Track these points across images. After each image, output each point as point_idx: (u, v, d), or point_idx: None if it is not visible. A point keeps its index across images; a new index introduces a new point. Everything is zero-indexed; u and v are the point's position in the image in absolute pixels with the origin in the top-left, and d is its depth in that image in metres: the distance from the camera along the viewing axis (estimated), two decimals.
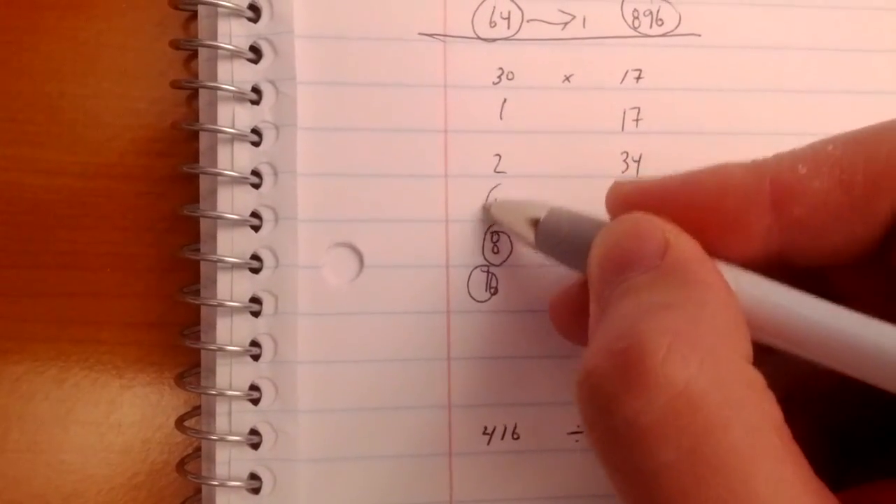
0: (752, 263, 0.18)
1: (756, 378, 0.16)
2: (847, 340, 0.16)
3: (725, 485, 0.14)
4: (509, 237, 0.25)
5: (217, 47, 0.24)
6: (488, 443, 0.25)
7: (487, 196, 0.25)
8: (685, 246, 0.18)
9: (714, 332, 0.16)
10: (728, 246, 0.19)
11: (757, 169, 0.19)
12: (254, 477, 0.24)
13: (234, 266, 0.24)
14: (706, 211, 0.19)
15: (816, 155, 0.18)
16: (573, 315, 0.23)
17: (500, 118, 0.25)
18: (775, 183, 0.18)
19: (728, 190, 0.18)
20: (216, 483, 0.24)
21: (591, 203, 0.25)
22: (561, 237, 0.22)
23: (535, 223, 0.23)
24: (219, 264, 0.25)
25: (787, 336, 0.17)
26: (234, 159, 0.25)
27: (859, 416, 0.21)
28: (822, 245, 0.18)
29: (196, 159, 0.26)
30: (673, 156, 0.26)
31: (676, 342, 0.15)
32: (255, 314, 0.25)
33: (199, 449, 0.26)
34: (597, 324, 0.18)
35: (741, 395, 0.15)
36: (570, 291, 0.23)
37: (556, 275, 0.25)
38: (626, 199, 0.20)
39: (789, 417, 0.16)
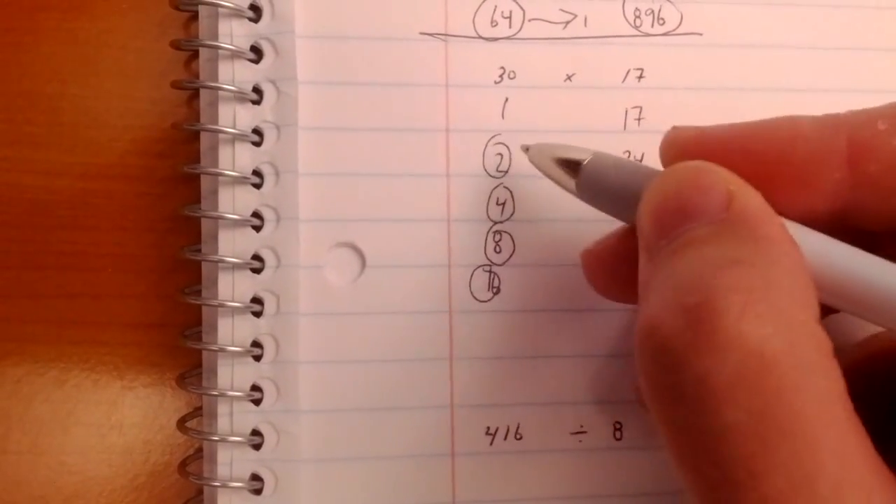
0: (814, 221, 0.18)
1: (826, 342, 0.15)
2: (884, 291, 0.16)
3: (792, 450, 0.14)
4: (512, 237, 0.25)
5: (218, 47, 0.24)
6: (491, 443, 0.25)
7: (489, 194, 0.25)
8: (751, 199, 0.17)
9: (787, 292, 0.15)
10: (793, 201, 0.18)
11: (832, 122, 0.18)
12: (255, 478, 0.24)
13: (235, 266, 0.24)
14: (774, 163, 0.18)
15: (890, 114, 0.18)
16: (609, 266, 0.22)
17: (502, 117, 0.25)
18: (852, 137, 0.17)
19: (799, 141, 0.18)
20: (218, 484, 0.24)
21: None
22: (606, 183, 0.21)
23: (576, 168, 0.22)
24: (220, 264, 0.24)
25: (850, 298, 0.17)
26: (235, 159, 0.25)
27: None
28: (892, 207, 0.18)
29: (197, 160, 0.26)
30: None
31: (751, 301, 0.15)
32: (257, 314, 0.25)
33: (200, 450, 0.26)
34: (651, 276, 0.17)
35: (813, 359, 0.15)
36: (607, 242, 0.22)
37: (558, 274, 0.25)
38: (685, 146, 0.19)
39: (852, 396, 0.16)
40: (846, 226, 0.18)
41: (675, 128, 0.19)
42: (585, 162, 0.21)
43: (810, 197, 0.18)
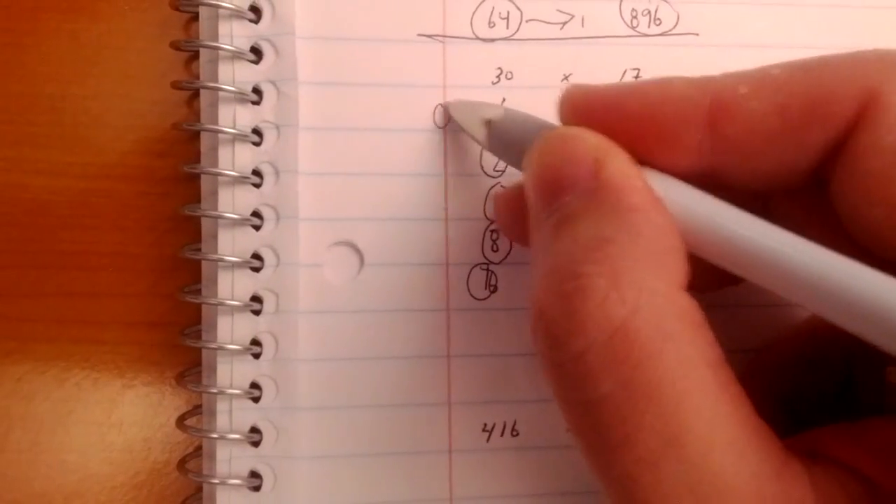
0: (683, 175, 0.18)
1: (689, 309, 0.17)
2: (769, 255, 0.17)
3: (659, 413, 0.15)
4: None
5: (218, 48, 0.25)
6: (488, 439, 0.25)
7: (487, 194, 0.25)
8: (616, 167, 0.18)
9: (649, 264, 0.17)
10: (664, 158, 0.19)
11: (700, 84, 0.19)
12: (254, 475, 0.24)
13: (235, 265, 0.25)
14: (645, 120, 0.19)
15: (761, 77, 0.18)
16: (514, 211, 0.22)
17: None
18: (715, 99, 0.18)
19: (668, 100, 0.18)
20: (217, 481, 0.24)
21: None
22: (510, 139, 0.22)
23: (488, 123, 0.23)
24: (220, 263, 0.25)
25: (712, 247, 0.17)
26: (235, 159, 0.25)
27: (806, 382, 0.22)
28: (753, 168, 0.19)
29: (197, 159, 0.26)
30: None
31: (615, 283, 0.16)
32: (256, 313, 0.25)
33: (200, 447, 0.26)
34: (537, 249, 0.19)
35: (673, 327, 0.16)
36: (516, 188, 0.23)
37: None
38: (575, 104, 0.20)
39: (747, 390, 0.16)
40: (719, 185, 0.19)
41: (573, 85, 0.20)
42: (494, 119, 0.23)
43: (677, 156, 0.19)
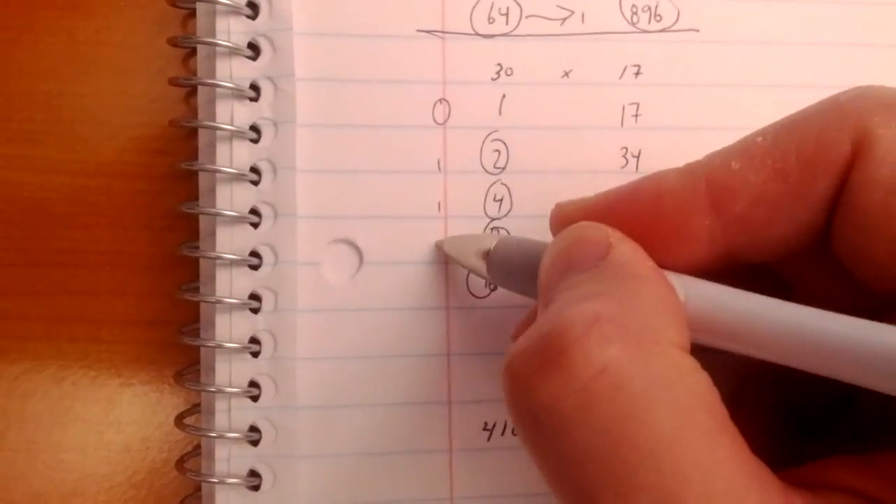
0: (701, 267, 0.18)
1: (683, 360, 0.15)
2: (809, 338, 0.16)
3: (654, 469, 0.14)
4: (509, 233, 0.25)
5: (215, 44, 0.24)
6: (489, 439, 0.25)
7: (486, 191, 0.25)
8: (627, 247, 0.17)
9: (641, 317, 0.15)
10: (674, 253, 0.18)
11: (690, 171, 0.18)
12: (253, 474, 0.24)
13: (233, 263, 0.24)
14: (645, 220, 0.18)
15: (748, 148, 0.18)
16: None
17: (500, 114, 0.25)
18: (710, 182, 0.18)
19: (663, 196, 0.18)
20: (216, 480, 0.24)
21: None
22: (512, 266, 0.22)
23: (486, 255, 0.23)
24: (218, 261, 0.24)
25: (740, 340, 0.17)
26: (232, 156, 0.25)
27: (811, 395, 0.21)
28: (767, 238, 0.18)
29: (195, 157, 0.26)
30: (672, 151, 0.26)
31: (598, 321, 0.15)
32: (255, 311, 0.25)
33: (198, 446, 0.26)
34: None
35: (667, 376, 0.15)
36: (529, 320, 0.22)
37: None
38: (568, 220, 0.19)
39: (745, 401, 0.16)
40: (734, 264, 0.19)
41: (558, 204, 0.20)
42: (492, 249, 0.22)
43: (689, 245, 0.18)
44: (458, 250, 0.24)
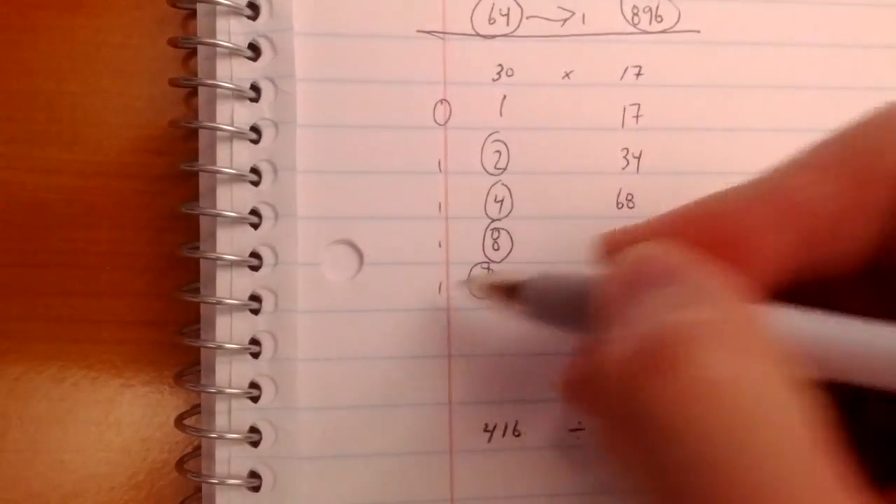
0: (764, 289, 0.18)
1: (790, 374, 0.15)
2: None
3: (755, 481, 0.13)
4: (510, 234, 0.25)
5: (216, 45, 0.24)
6: (489, 440, 0.25)
7: (487, 192, 0.25)
8: (706, 268, 0.17)
9: (747, 330, 0.15)
10: (740, 274, 0.17)
11: (754, 188, 0.18)
12: (254, 475, 0.24)
13: (233, 264, 0.24)
14: (709, 242, 0.17)
15: (807, 163, 0.17)
16: (588, 384, 0.21)
17: (500, 115, 0.25)
18: (775, 199, 0.17)
19: (728, 215, 0.18)
20: (216, 481, 0.24)
21: (591, 200, 0.25)
22: (552, 299, 0.21)
23: (513, 291, 0.22)
24: (218, 262, 0.24)
25: (832, 366, 0.16)
26: (233, 157, 0.25)
27: None
28: (832, 252, 0.18)
29: (195, 157, 0.26)
30: (673, 152, 0.26)
31: (710, 333, 0.15)
32: (255, 312, 0.25)
33: (198, 447, 0.26)
34: (609, 329, 0.17)
35: (775, 391, 0.14)
36: (575, 364, 0.21)
37: None
38: (619, 248, 0.18)
39: (843, 419, 0.15)
40: (798, 284, 0.18)
41: (607, 233, 0.20)
42: (527, 282, 0.21)
43: (756, 266, 0.17)
44: (485, 288, 0.23)
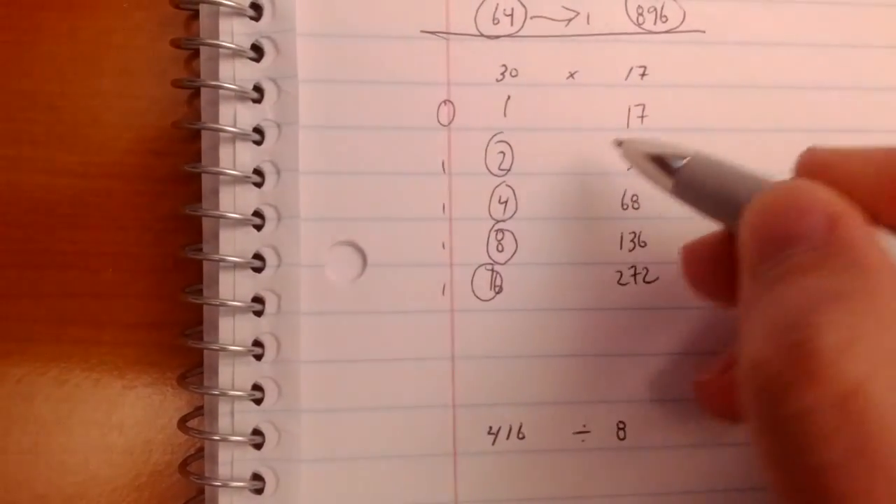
0: None
1: None
2: None
3: (890, 489, 0.14)
4: (514, 235, 0.25)
5: (219, 46, 0.24)
6: (493, 443, 0.25)
7: (491, 193, 0.25)
8: (853, 223, 0.17)
9: (887, 327, 0.15)
10: None
11: None
12: (257, 477, 0.24)
13: (236, 265, 0.24)
14: None
15: None
16: (707, 266, 0.21)
17: (504, 115, 0.25)
18: None
19: None
20: (219, 484, 0.24)
21: (596, 201, 0.25)
22: (705, 187, 0.21)
23: (674, 170, 0.22)
24: (221, 264, 0.24)
25: None
26: (236, 158, 0.24)
27: None
28: None
29: (198, 158, 0.26)
30: None
31: (850, 339, 0.15)
32: (258, 313, 0.24)
33: (201, 449, 0.26)
34: (755, 301, 0.17)
35: None
36: (708, 241, 0.22)
37: (560, 272, 0.25)
38: (823, 165, 0.19)
39: None
40: None
41: (810, 148, 0.20)
42: (684, 163, 0.21)
43: None
44: (638, 155, 0.23)
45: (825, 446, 0.15)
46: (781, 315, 0.16)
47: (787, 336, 0.16)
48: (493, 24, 0.25)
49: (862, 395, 0.14)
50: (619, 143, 0.24)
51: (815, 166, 0.19)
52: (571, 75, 0.26)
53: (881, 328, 0.15)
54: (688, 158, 0.22)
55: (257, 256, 0.25)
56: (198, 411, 0.26)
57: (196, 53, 0.26)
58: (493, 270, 0.25)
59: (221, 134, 0.24)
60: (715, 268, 0.21)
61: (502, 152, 0.25)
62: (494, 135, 0.25)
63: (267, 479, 0.24)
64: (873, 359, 0.15)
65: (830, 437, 0.15)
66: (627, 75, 0.26)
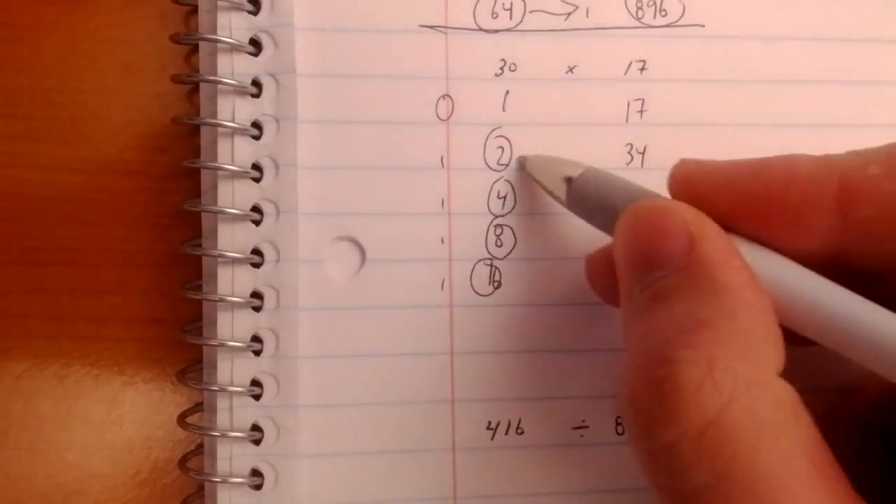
0: (808, 259, 0.18)
1: (788, 398, 0.16)
2: (861, 330, 0.16)
3: None
4: (513, 230, 0.25)
5: (217, 41, 0.24)
6: (492, 438, 0.25)
7: (490, 188, 0.25)
8: (711, 242, 0.18)
9: (745, 351, 0.16)
10: (786, 239, 0.18)
11: (827, 163, 0.18)
12: (256, 473, 0.24)
13: (235, 261, 0.24)
14: (769, 201, 0.18)
15: (891, 157, 0.18)
16: (607, 273, 0.22)
17: (503, 110, 0.25)
18: (843, 180, 0.18)
19: (794, 182, 0.18)
20: (218, 479, 0.24)
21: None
22: (592, 200, 0.22)
23: (569, 181, 0.23)
24: (220, 259, 0.24)
25: (805, 321, 0.17)
26: (234, 153, 0.24)
27: None
28: (883, 249, 0.18)
29: (197, 154, 0.26)
30: (678, 147, 0.25)
31: (709, 371, 0.16)
32: (257, 309, 0.24)
33: (201, 445, 0.26)
34: (631, 326, 0.18)
35: (772, 419, 0.16)
36: (606, 251, 0.22)
37: (559, 267, 0.25)
38: (688, 179, 0.20)
39: (838, 427, 0.16)
40: (841, 266, 0.18)
41: (682, 160, 0.20)
42: (576, 176, 0.22)
43: (804, 238, 0.18)
44: (541, 171, 0.24)
45: (693, 473, 0.16)
46: (647, 347, 0.17)
47: (652, 371, 0.17)
48: (492, 18, 0.25)
49: (718, 425, 0.15)
50: (524, 160, 0.25)
51: (682, 179, 0.20)
52: (570, 70, 0.25)
53: (740, 353, 0.16)
54: (580, 172, 0.23)
55: (256, 252, 0.24)
56: (197, 407, 0.26)
57: (195, 49, 0.26)
58: (491, 265, 0.25)
59: (220, 129, 0.24)
60: (613, 276, 0.21)
61: (501, 147, 0.25)
62: (493, 129, 0.25)
63: (266, 475, 0.24)
64: (730, 387, 0.16)
65: (694, 466, 0.16)
66: (627, 70, 0.26)
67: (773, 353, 0.17)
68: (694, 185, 0.19)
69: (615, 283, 0.20)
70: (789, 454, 0.15)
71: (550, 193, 0.24)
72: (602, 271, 0.23)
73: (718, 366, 0.16)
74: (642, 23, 0.26)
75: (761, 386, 0.16)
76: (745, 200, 0.18)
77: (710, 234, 0.18)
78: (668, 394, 0.16)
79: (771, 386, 0.16)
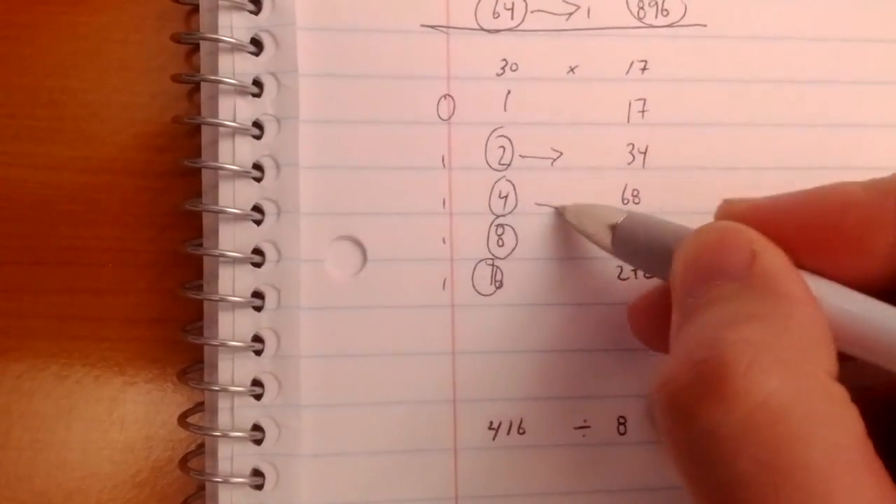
0: (872, 284, 0.18)
1: (839, 393, 0.16)
2: None
3: (804, 501, 0.14)
4: (514, 230, 0.25)
5: (218, 40, 0.24)
6: (494, 438, 0.25)
7: (492, 188, 0.25)
8: (772, 257, 0.18)
9: (798, 346, 0.16)
10: (846, 265, 0.18)
11: (879, 186, 0.18)
12: (257, 473, 0.24)
13: (236, 260, 0.24)
14: (826, 232, 0.18)
15: None
16: (652, 320, 0.22)
17: (505, 110, 0.25)
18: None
19: (849, 208, 0.18)
20: (219, 479, 0.24)
21: (595, 195, 0.25)
22: (639, 243, 0.22)
23: (612, 227, 0.23)
24: (221, 259, 0.24)
25: (868, 347, 0.17)
26: (235, 153, 0.24)
27: None
28: None
29: (198, 154, 0.26)
30: (679, 147, 0.26)
31: (759, 354, 0.15)
32: (258, 309, 0.24)
33: (202, 445, 0.26)
34: (678, 331, 0.18)
35: (823, 409, 0.15)
36: (650, 297, 0.23)
37: (561, 267, 0.25)
38: (738, 218, 0.19)
39: (872, 421, 0.16)
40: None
41: (726, 200, 0.20)
42: (619, 222, 0.23)
43: (864, 262, 0.18)
44: (582, 219, 0.24)
45: (736, 461, 0.15)
46: (694, 336, 0.17)
47: (695, 353, 0.16)
48: (494, 18, 0.25)
49: (769, 408, 0.15)
50: (563, 210, 0.25)
51: (732, 218, 0.20)
52: (572, 70, 0.25)
53: (788, 345, 0.16)
54: (623, 217, 0.23)
55: (257, 251, 0.24)
56: (198, 407, 0.26)
57: (196, 48, 0.26)
58: (493, 265, 0.25)
59: (221, 129, 0.24)
60: (657, 320, 0.21)
61: (502, 147, 0.25)
62: (494, 129, 0.25)
63: (267, 475, 0.24)
64: (778, 374, 0.15)
65: (740, 452, 0.15)
66: (628, 70, 0.26)
67: (826, 357, 0.16)
68: (745, 222, 0.19)
69: (658, 325, 0.20)
70: (840, 448, 0.15)
71: (591, 238, 0.24)
72: (646, 315, 0.23)
73: (768, 350, 0.15)
74: (644, 23, 0.26)
75: (813, 376, 0.16)
76: (801, 232, 0.18)
77: (772, 250, 0.18)
78: (713, 372, 0.15)
79: (822, 379, 0.16)
